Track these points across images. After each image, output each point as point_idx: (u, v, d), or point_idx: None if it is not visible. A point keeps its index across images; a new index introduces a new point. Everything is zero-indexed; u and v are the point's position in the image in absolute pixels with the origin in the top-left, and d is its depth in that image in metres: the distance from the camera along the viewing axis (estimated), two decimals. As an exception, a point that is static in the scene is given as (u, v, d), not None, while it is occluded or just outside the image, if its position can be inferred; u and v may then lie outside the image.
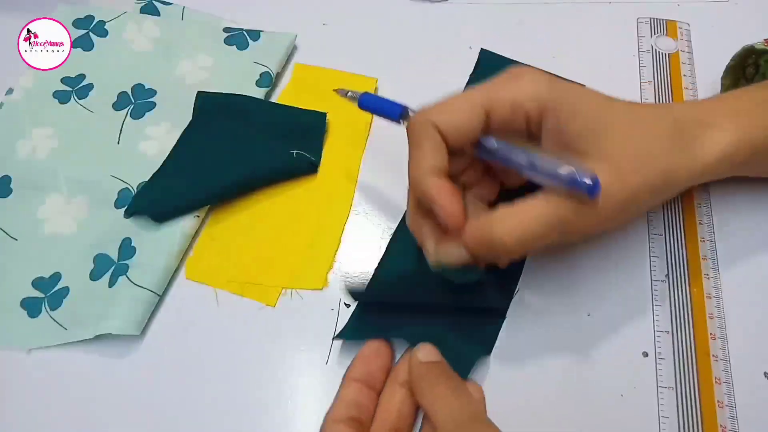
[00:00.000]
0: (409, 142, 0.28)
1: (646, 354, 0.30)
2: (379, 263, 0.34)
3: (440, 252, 0.27)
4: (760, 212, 0.33)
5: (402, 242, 0.34)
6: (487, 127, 0.27)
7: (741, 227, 0.33)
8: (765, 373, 0.29)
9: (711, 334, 0.30)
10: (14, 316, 0.32)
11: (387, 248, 0.34)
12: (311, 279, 0.33)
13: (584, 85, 0.27)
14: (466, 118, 0.27)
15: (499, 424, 0.25)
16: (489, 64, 0.41)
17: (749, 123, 0.28)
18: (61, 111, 0.39)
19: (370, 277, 0.33)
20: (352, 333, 0.31)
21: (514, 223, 0.25)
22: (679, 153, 0.27)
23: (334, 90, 0.34)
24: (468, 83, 0.40)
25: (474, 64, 0.41)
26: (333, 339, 0.31)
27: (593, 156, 0.26)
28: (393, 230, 0.35)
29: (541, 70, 0.28)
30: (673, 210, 0.34)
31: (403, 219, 0.35)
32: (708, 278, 0.31)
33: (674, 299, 0.31)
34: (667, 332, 0.30)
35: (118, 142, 0.38)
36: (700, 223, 0.33)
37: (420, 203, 0.29)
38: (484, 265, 0.28)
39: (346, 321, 0.32)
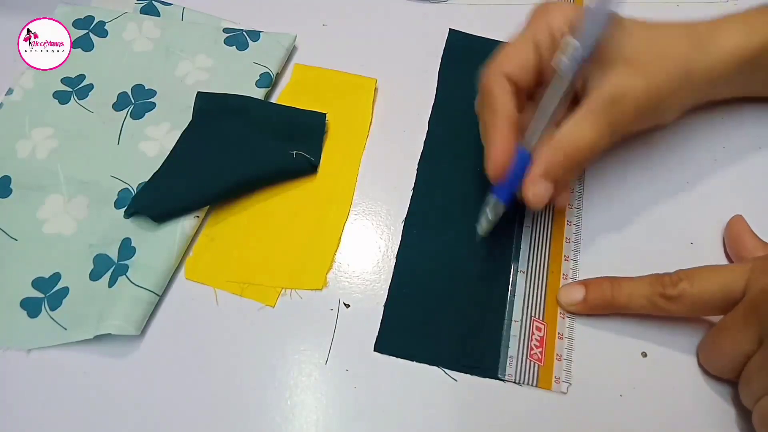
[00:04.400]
0: (480, 92, 0.31)
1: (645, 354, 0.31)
2: (399, 253, 0.34)
3: (533, 191, 0.29)
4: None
5: (418, 228, 0.35)
6: (539, 58, 0.31)
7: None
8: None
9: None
10: (14, 316, 0.32)
11: (403, 238, 0.35)
12: (311, 279, 0.33)
13: None
14: (524, 58, 0.30)
15: (499, 424, 0.25)
16: (459, 44, 0.42)
17: (760, 24, 0.32)
18: (61, 111, 0.39)
19: (394, 267, 0.34)
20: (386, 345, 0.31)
21: (574, 138, 0.29)
22: (696, 51, 0.31)
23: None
24: (441, 65, 0.41)
25: (444, 46, 0.42)
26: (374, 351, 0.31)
27: (620, 62, 0.29)
28: (393, 230, 0.35)
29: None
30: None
31: (410, 209, 0.35)
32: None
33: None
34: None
35: (118, 143, 0.38)
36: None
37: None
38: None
39: (379, 331, 0.32)
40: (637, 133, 0.34)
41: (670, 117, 0.33)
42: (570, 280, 0.33)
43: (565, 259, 0.33)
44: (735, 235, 0.33)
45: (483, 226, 0.32)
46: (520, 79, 0.30)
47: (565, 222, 0.35)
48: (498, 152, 0.30)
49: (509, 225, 0.34)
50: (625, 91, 0.29)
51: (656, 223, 0.35)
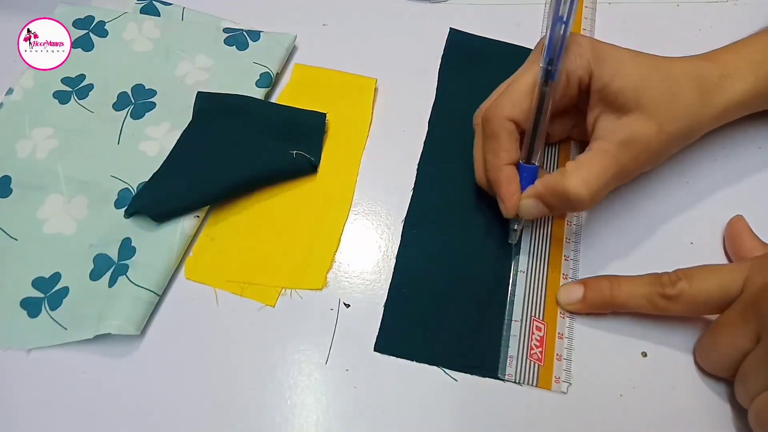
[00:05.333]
0: (485, 133, 0.32)
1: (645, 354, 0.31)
2: (399, 253, 0.34)
3: (522, 206, 0.31)
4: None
5: (418, 228, 0.35)
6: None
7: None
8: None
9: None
10: (14, 316, 0.32)
11: (403, 238, 0.35)
12: (311, 279, 0.33)
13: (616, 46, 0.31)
14: (527, 103, 0.31)
15: (499, 424, 0.25)
16: (459, 44, 0.42)
17: (764, 72, 0.32)
18: (61, 111, 0.39)
19: (394, 267, 0.34)
20: (386, 345, 0.31)
21: (583, 174, 0.29)
22: (704, 103, 0.31)
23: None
24: (441, 65, 0.41)
25: (444, 45, 0.42)
26: (374, 350, 0.31)
27: (634, 110, 0.30)
28: (393, 230, 0.35)
29: (578, 34, 0.31)
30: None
31: (410, 209, 0.35)
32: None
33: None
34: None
35: (118, 142, 0.38)
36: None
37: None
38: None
39: (379, 331, 0.32)
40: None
41: (666, 160, 0.34)
42: (570, 280, 0.33)
43: (565, 259, 0.33)
44: (734, 234, 0.33)
45: (512, 235, 0.33)
46: (522, 121, 0.31)
47: (565, 222, 0.35)
48: (509, 198, 0.31)
49: (509, 223, 0.34)
50: (639, 136, 0.30)
51: (656, 223, 0.35)
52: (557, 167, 0.35)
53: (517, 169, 0.31)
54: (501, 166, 0.31)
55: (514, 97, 0.31)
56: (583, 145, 0.35)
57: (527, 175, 0.31)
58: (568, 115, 0.34)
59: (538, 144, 0.31)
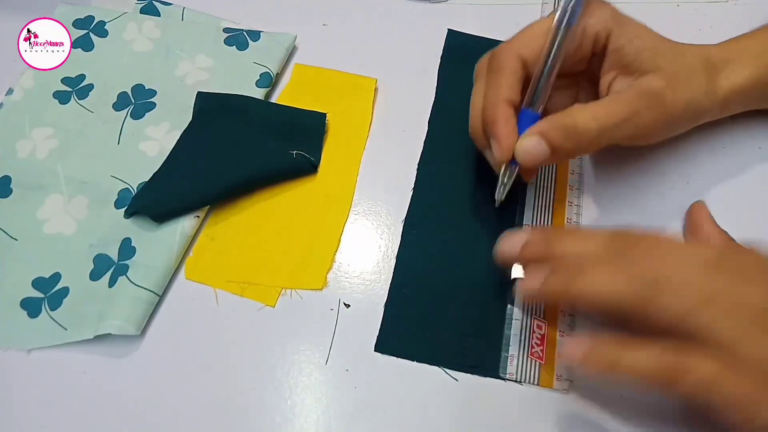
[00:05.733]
0: (489, 67, 0.31)
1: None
2: (399, 253, 0.34)
3: (521, 146, 0.29)
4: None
5: (418, 228, 0.35)
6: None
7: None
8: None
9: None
10: (14, 316, 0.32)
11: (403, 238, 0.35)
12: (311, 279, 0.33)
13: None
14: (541, 45, 0.30)
15: (500, 423, 0.25)
16: (458, 44, 0.42)
17: (764, 62, 0.33)
18: (61, 111, 0.39)
19: (394, 267, 0.34)
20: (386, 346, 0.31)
21: (593, 110, 0.29)
22: (710, 84, 0.32)
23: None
24: (440, 65, 0.41)
25: (443, 46, 0.42)
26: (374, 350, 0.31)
27: (650, 70, 0.30)
28: (393, 230, 0.35)
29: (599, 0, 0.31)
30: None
31: (410, 209, 0.35)
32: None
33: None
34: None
35: (118, 142, 0.38)
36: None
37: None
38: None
39: (379, 331, 0.32)
40: (634, 147, 0.35)
41: (668, 136, 0.34)
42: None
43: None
44: (694, 220, 0.33)
45: (499, 190, 0.32)
46: (532, 61, 0.30)
47: (565, 221, 0.35)
48: (505, 137, 0.30)
49: (509, 223, 0.34)
50: (656, 90, 0.30)
51: (656, 222, 0.35)
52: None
53: (516, 113, 0.30)
54: (500, 101, 0.30)
55: (527, 35, 0.31)
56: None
57: (528, 121, 0.30)
58: (575, 84, 0.34)
59: (544, 88, 0.30)
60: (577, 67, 0.32)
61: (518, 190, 0.35)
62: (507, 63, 0.30)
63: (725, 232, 0.32)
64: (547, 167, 0.36)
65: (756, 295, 0.25)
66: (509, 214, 0.35)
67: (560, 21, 0.29)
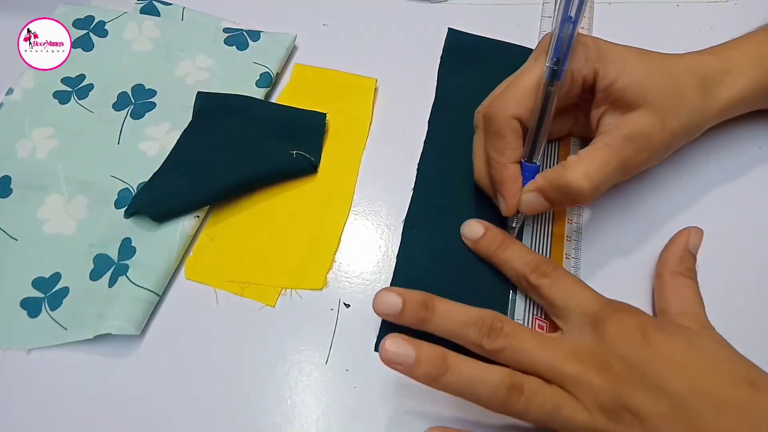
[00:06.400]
0: (488, 130, 0.32)
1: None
2: (399, 253, 0.34)
3: (523, 200, 0.31)
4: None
5: (418, 228, 0.35)
6: None
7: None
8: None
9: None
10: (14, 316, 0.32)
11: (403, 238, 0.35)
12: (311, 279, 0.33)
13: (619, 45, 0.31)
14: (532, 100, 0.30)
15: (502, 423, 0.25)
16: (458, 44, 0.41)
17: (764, 68, 0.33)
18: (61, 111, 0.39)
19: (394, 267, 0.33)
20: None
21: (585, 167, 0.29)
22: (706, 99, 0.32)
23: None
24: (440, 65, 0.41)
25: (443, 46, 0.41)
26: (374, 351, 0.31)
27: (639, 106, 0.30)
28: (393, 230, 0.35)
29: (582, 34, 0.31)
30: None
31: (410, 209, 0.35)
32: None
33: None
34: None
35: (118, 142, 0.38)
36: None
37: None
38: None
39: (379, 331, 0.32)
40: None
41: (669, 154, 0.34)
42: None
43: (566, 257, 0.33)
44: (676, 247, 0.33)
45: (510, 233, 0.33)
46: (526, 119, 0.31)
47: (566, 220, 0.35)
48: (513, 196, 0.31)
49: (508, 223, 0.34)
50: (643, 131, 0.30)
51: (656, 222, 0.35)
52: (558, 164, 0.35)
53: (520, 167, 0.32)
54: (506, 164, 0.31)
55: (518, 95, 0.31)
56: (584, 142, 0.35)
57: (528, 173, 0.31)
58: (568, 113, 0.34)
59: (540, 143, 0.31)
60: (567, 104, 0.33)
61: None
62: (506, 129, 0.31)
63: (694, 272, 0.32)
64: (546, 162, 0.36)
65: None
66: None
67: (548, 80, 0.30)
